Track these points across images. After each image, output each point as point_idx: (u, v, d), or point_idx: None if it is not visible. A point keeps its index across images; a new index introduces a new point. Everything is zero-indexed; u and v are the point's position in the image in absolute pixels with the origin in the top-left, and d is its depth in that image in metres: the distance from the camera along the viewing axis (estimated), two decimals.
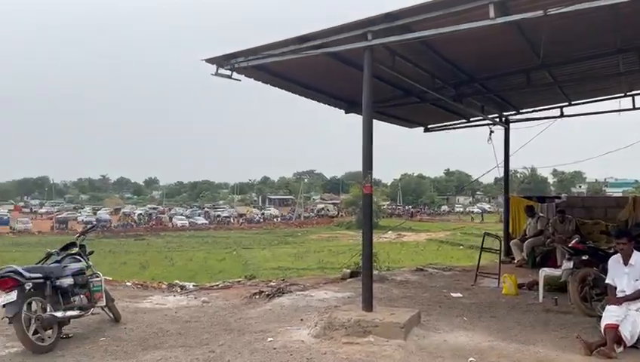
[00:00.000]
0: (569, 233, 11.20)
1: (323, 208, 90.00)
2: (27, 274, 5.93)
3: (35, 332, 5.85)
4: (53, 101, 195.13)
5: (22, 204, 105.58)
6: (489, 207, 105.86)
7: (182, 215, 79.70)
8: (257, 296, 8.91)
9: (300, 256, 41.81)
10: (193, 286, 10.54)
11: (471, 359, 5.40)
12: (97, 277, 6.92)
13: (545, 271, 8.49)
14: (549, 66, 9.07)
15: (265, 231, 66.58)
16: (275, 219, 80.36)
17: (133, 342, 6.29)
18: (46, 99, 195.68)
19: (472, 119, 12.91)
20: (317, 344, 6.01)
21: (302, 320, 7.19)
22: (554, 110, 12.41)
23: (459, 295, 8.93)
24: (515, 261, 11.82)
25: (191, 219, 75.21)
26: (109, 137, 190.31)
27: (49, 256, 6.86)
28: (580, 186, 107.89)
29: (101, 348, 6.04)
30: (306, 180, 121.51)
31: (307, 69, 8.04)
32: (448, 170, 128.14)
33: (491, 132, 12.78)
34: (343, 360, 5.47)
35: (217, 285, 10.45)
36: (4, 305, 5.77)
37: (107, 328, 6.91)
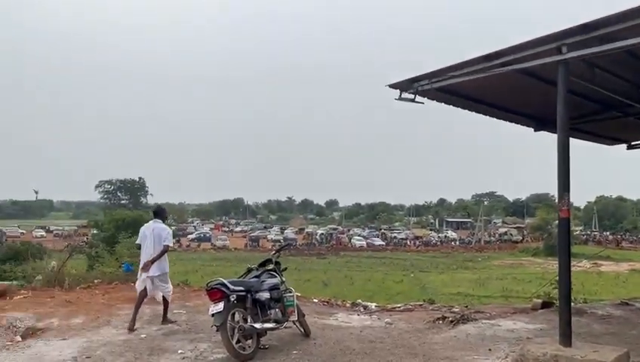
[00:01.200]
0: None
1: (505, 232, 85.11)
2: (232, 287, 6.57)
3: (238, 341, 6.43)
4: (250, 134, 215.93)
5: (221, 222, 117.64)
6: None
7: (360, 235, 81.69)
8: (441, 322, 8.71)
9: (480, 282, 40.05)
10: (375, 306, 10.69)
11: None
12: (290, 292, 7.40)
13: None
14: None
15: (442, 255, 65.13)
16: (453, 243, 78.22)
17: (323, 357, 6.57)
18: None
19: None
20: None
21: (490, 350, 6.87)
22: None
23: None
24: None
25: (368, 240, 76.71)
26: (294, 162, 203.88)
27: (249, 270, 7.52)
28: None
29: (294, 361, 6.42)
30: (485, 203, 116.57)
31: (492, 87, 7.76)
32: None
33: None
34: None
35: (399, 307, 10.46)
36: (212, 314, 6.46)
37: (298, 342, 7.32)
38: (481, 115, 9.05)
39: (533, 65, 6.39)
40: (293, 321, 7.36)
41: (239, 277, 7.28)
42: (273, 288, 7.22)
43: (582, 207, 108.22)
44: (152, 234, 8.26)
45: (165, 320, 8.41)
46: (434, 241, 78.44)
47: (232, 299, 6.50)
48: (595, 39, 5.78)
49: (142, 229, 8.47)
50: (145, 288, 8.26)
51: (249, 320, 6.61)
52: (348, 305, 10.75)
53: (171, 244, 8.76)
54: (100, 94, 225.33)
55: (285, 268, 7.92)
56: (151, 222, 8.56)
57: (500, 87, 7.85)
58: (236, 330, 6.46)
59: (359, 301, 11.33)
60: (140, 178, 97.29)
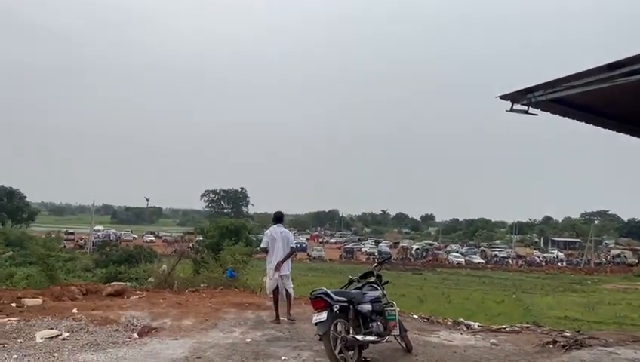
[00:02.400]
0: None
1: (619, 254, 78.68)
2: (335, 297, 6.62)
3: (340, 351, 6.46)
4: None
5: (317, 233, 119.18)
6: None
7: (457, 252, 79.19)
8: (551, 346, 8.22)
9: (590, 306, 37.31)
10: (479, 326, 10.31)
11: None
12: (392, 306, 7.32)
13: None
14: None
15: (547, 276, 61.46)
16: (559, 264, 73.57)
17: None
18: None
19: None
20: None
21: None
22: None
23: None
24: None
25: (467, 257, 74.13)
26: (389, 175, 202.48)
27: (351, 282, 7.56)
28: None
29: None
30: (596, 222, 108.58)
31: (612, 98, 7.25)
32: None
33: None
34: None
35: (505, 328, 9.99)
36: (316, 323, 6.54)
37: (399, 357, 7.23)
38: (598, 127, 8.48)
39: None
40: (394, 336, 7.27)
41: (341, 288, 7.32)
42: (375, 301, 7.20)
43: None
44: (281, 237, 9.16)
45: (289, 314, 9.24)
46: (538, 261, 74.19)
47: (335, 309, 6.55)
48: None
49: (268, 233, 9.31)
50: (277, 287, 9.11)
51: (351, 332, 6.62)
52: (449, 323, 10.45)
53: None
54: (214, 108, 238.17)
55: (387, 282, 7.88)
56: (275, 226, 9.42)
57: (622, 98, 7.31)
58: (339, 340, 6.49)
59: (461, 319, 10.97)
60: (241, 188, 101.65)
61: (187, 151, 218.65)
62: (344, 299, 6.72)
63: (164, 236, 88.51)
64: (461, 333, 9.24)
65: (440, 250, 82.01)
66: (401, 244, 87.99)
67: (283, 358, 6.90)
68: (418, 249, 79.33)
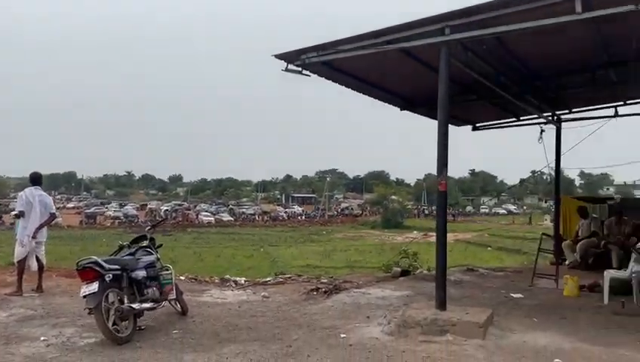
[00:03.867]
0: (625, 235, 10.97)
1: (347, 207, 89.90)
2: (107, 266, 5.99)
3: (114, 323, 5.90)
4: (80, 99, 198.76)
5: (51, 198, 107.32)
6: (514, 209, 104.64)
7: (207, 211, 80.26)
8: (315, 293, 8.89)
9: (327, 254, 41.75)
10: (245, 281, 10.58)
11: (556, 360, 5.29)
12: (167, 270, 6.98)
13: (611, 273, 8.30)
14: (616, 65, 8.88)
15: (290, 229, 66.69)
16: (299, 217, 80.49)
17: (207, 335, 6.32)
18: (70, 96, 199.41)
19: (521, 118, 12.69)
20: (393, 342, 5.96)
21: (368, 317, 7.15)
22: (608, 110, 12.13)
23: (520, 296, 8.79)
24: (567, 262, 11.61)
25: (216, 216, 75.70)
26: (134, 135, 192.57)
27: (121, 248, 6.94)
28: (608, 189, 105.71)
29: (177, 341, 6.07)
30: (328, 179, 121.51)
31: (373, 65, 8.00)
32: (473, 170, 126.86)
33: (542, 131, 12.54)
34: (424, 358, 5.40)
35: (270, 281, 10.46)
36: (85, 296, 5.84)
37: (176, 321, 6.96)
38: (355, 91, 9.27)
39: (417, 46, 6.68)
40: (170, 300, 6.97)
41: (111, 255, 6.68)
42: (149, 266, 6.76)
43: (412, 184, 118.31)
44: (39, 201, 8.35)
45: (40, 288, 8.42)
46: (282, 216, 79.96)
47: (108, 279, 5.93)
48: (474, 23, 6.20)
49: (23, 196, 8.38)
50: (25, 257, 8.21)
51: (126, 301, 6.10)
52: (217, 281, 10.49)
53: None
54: None
55: (161, 245, 7.45)
56: (32, 188, 8.48)
57: (381, 66, 8.12)
58: (112, 312, 5.91)
59: (228, 276, 11.13)
60: None
61: None
62: (117, 266, 6.13)
63: None
64: (232, 290, 9.36)
65: (190, 210, 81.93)
66: (148, 206, 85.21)
67: (42, 338, 6.00)
68: (167, 210, 77.90)
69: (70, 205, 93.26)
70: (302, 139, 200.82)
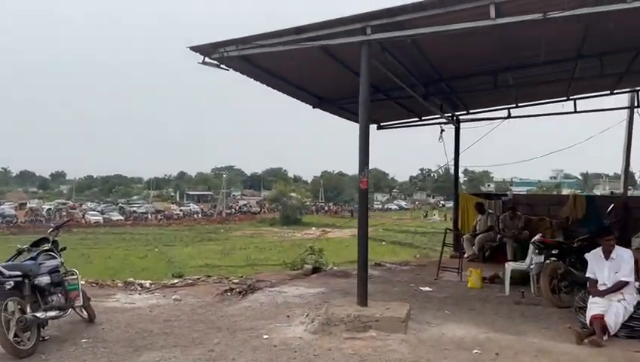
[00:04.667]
0: (518, 229, 11.85)
1: (245, 204, 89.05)
2: (7, 272, 5.41)
3: (15, 335, 5.34)
4: None
5: None
6: (405, 204, 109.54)
7: (95, 210, 75.74)
8: (229, 293, 8.67)
9: (225, 253, 41.21)
10: (151, 283, 10.07)
11: (475, 351, 5.56)
12: (73, 275, 6.46)
13: (511, 265, 8.90)
14: (514, 69, 9.54)
15: (185, 228, 64.88)
16: (195, 216, 78.49)
17: (120, 343, 5.91)
18: None
19: (423, 117, 13.26)
20: (317, 340, 5.94)
21: (288, 316, 7.09)
22: (501, 111, 13.04)
23: (428, 289, 9.16)
24: (466, 255, 12.29)
25: (105, 215, 71.78)
26: (9, 127, 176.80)
27: (20, 252, 6.31)
28: (489, 185, 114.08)
29: (87, 351, 5.64)
30: (224, 176, 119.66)
31: (290, 61, 7.91)
32: None
33: (442, 130, 13.21)
34: (351, 355, 5.44)
35: (178, 283, 10.03)
36: None
37: (83, 329, 6.46)
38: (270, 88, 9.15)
39: (337, 44, 6.70)
40: (76, 307, 6.44)
41: (8, 260, 6.03)
42: (53, 271, 6.19)
43: (309, 181, 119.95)
44: None
45: None
46: (176, 214, 77.49)
47: (8, 287, 5.36)
48: (394, 24, 6.33)
49: None
50: None
51: (28, 310, 5.54)
52: (120, 284, 9.88)
53: None
54: None
55: (64, 248, 6.84)
56: None
57: (299, 63, 8.06)
58: (13, 323, 5.34)
59: (131, 279, 10.52)
60: None
61: None
62: (18, 273, 5.55)
63: None
64: (139, 294, 8.85)
65: (75, 209, 76.86)
66: (29, 205, 78.62)
67: None
68: (50, 209, 72.51)
69: None
70: (198, 134, 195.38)
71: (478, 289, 9.19)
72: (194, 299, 8.39)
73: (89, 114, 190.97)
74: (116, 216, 71.90)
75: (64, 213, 70.10)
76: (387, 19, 6.24)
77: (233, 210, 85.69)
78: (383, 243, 45.14)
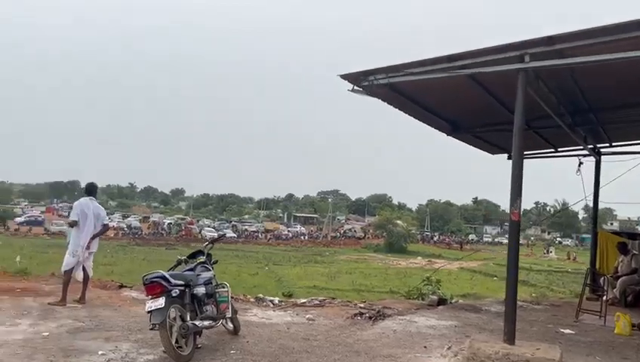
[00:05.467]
0: None
1: (350, 229, 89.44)
2: (173, 281, 5.83)
3: (176, 340, 5.72)
4: (87, 106, 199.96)
5: (55, 206, 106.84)
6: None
7: (210, 227, 79.90)
8: (359, 317, 8.69)
9: (332, 276, 41.39)
10: (279, 300, 10.39)
11: None
12: (224, 287, 6.80)
13: None
14: None
15: (293, 249, 66.31)
16: (302, 237, 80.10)
17: (267, 357, 6.11)
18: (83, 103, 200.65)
19: (559, 148, 12.60)
20: None
21: (425, 347, 6.94)
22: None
23: (570, 331, 8.56)
24: (605, 298, 11.37)
25: (219, 232, 75.29)
26: (137, 147, 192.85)
27: (179, 263, 6.77)
28: (612, 223, 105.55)
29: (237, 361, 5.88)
30: (330, 200, 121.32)
31: (432, 89, 7.91)
32: (476, 198, 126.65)
33: (580, 163, 12.44)
34: None
35: (306, 302, 10.25)
36: (149, 311, 5.66)
37: (229, 340, 6.77)
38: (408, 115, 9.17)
39: (484, 73, 6.60)
40: (226, 318, 6.77)
41: (169, 270, 6.50)
42: (208, 282, 6.59)
43: (414, 208, 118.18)
44: (93, 213, 8.32)
45: (83, 298, 8.29)
46: (285, 235, 79.59)
47: (174, 294, 5.77)
48: (553, 52, 6.12)
49: (79, 206, 8.31)
50: (72, 267, 8.18)
51: (188, 318, 5.92)
52: (252, 299, 10.28)
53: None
54: None
55: (216, 261, 7.27)
56: (87, 199, 8.42)
57: (440, 89, 8.02)
58: (175, 329, 5.73)
59: (261, 295, 10.92)
60: None
61: None
62: (181, 282, 5.97)
63: None
64: (273, 310, 9.15)
65: (192, 224, 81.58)
66: (151, 219, 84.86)
67: (100, 352, 5.81)
68: (171, 223, 77.57)
69: None
70: (305, 158, 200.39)
71: (626, 336, 8.43)
72: (326, 319, 8.50)
73: (212, 137, 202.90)
74: (230, 234, 75.19)
75: (183, 228, 74.74)
76: (546, 47, 6.04)
77: (338, 234, 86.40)
78: (495, 278, 43.03)
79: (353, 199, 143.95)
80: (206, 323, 6.18)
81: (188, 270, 6.52)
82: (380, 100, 8.16)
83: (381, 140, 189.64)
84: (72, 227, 8.32)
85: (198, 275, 6.46)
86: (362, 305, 10.17)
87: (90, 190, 8.78)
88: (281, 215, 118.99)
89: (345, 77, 7.18)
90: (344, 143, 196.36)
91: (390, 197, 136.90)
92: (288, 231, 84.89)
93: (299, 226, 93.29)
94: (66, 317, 7.24)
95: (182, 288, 5.93)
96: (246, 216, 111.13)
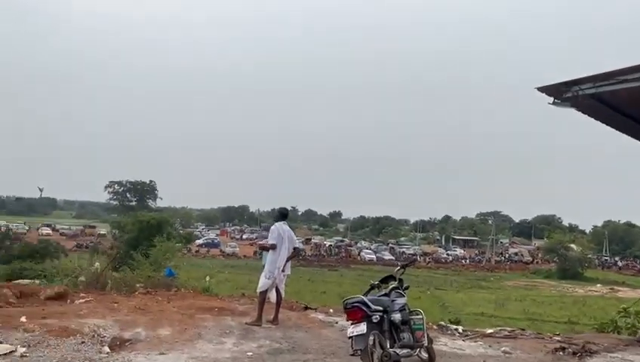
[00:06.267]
0: None
1: (516, 253, 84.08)
2: (373, 307, 5.77)
3: None
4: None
5: (228, 229, 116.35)
6: None
7: (368, 249, 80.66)
8: (561, 353, 7.88)
9: (500, 303, 39.05)
10: (463, 330, 9.87)
11: None
12: (418, 314, 6.57)
13: None
14: None
15: (454, 273, 64.20)
16: (462, 261, 77.19)
17: None
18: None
19: None
20: None
21: None
22: None
23: None
24: None
25: (377, 254, 75.66)
26: (298, 173, 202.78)
27: (373, 287, 6.72)
28: None
29: None
30: (490, 222, 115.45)
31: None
32: None
33: None
34: None
35: (493, 333, 9.61)
36: (351, 336, 5.64)
37: None
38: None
39: None
40: (422, 347, 6.53)
41: (364, 294, 6.47)
42: (402, 309, 6.41)
43: (587, 230, 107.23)
44: (288, 236, 8.70)
45: (276, 319, 8.54)
46: (444, 258, 77.39)
47: (375, 320, 5.70)
48: None
49: (276, 230, 8.69)
50: (267, 289, 8.51)
51: (388, 345, 5.79)
52: (435, 327, 9.90)
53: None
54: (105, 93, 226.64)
55: (407, 287, 7.08)
56: (282, 223, 8.82)
57: None
58: (376, 356, 5.63)
59: (442, 323, 10.50)
60: (150, 181, 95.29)
61: (87, 141, 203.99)
62: (380, 308, 5.89)
63: (61, 229, 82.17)
64: (463, 340, 8.70)
65: (351, 246, 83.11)
66: (313, 241, 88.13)
67: None
68: (331, 245, 79.79)
69: (244, 236, 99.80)
70: (462, 179, 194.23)
71: None
72: (523, 354, 7.84)
73: (360, 159, 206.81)
74: (387, 256, 75.16)
75: (342, 250, 76.46)
76: None
77: (503, 258, 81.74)
78: None
79: (516, 220, 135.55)
80: (405, 351, 6.01)
81: (382, 295, 6.43)
82: (576, 111, 7.46)
83: (543, 157, 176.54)
84: (270, 250, 8.62)
85: (393, 301, 6.32)
86: (559, 338, 9.27)
87: (284, 214, 9.12)
88: (438, 237, 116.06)
89: (543, 89, 6.66)
90: (504, 162, 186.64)
91: (559, 218, 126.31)
92: (447, 253, 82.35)
93: (458, 249, 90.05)
94: (264, 338, 7.55)
95: (381, 314, 5.84)
96: (402, 239, 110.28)
